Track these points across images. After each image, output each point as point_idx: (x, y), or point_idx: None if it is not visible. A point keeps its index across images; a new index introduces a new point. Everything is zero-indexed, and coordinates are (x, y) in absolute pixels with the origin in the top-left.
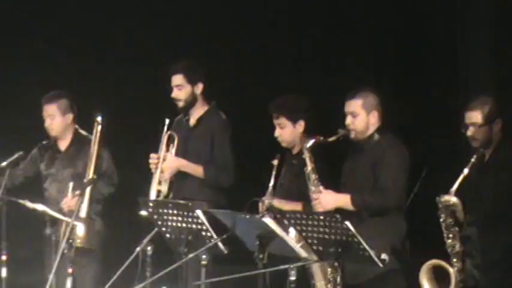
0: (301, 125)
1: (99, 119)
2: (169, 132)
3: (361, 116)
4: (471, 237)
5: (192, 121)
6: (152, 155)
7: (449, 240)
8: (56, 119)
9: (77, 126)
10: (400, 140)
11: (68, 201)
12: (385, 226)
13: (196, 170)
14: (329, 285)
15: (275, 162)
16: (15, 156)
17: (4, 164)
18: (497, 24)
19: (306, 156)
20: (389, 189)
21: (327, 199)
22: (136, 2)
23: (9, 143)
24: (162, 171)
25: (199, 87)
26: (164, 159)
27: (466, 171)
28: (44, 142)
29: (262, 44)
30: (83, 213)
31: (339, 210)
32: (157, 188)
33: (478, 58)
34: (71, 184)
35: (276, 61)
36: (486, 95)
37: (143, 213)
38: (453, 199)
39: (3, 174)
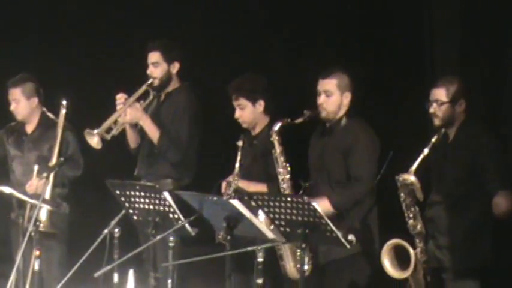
0: (261, 105)
1: (64, 102)
2: (146, 88)
3: (335, 96)
4: (433, 218)
5: (162, 97)
6: (122, 95)
7: (411, 221)
8: (21, 103)
9: (44, 109)
10: (368, 124)
11: (33, 183)
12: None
13: (154, 132)
14: (298, 266)
15: (240, 143)
16: None
17: None
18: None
19: (274, 139)
20: (363, 177)
21: None
22: None
23: None
24: (124, 114)
25: (175, 67)
26: (130, 106)
27: (426, 151)
28: (12, 124)
29: (232, 27)
30: (46, 196)
31: (306, 192)
32: (111, 124)
33: (444, 40)
34: (35, 167)
35: (246, 44)
36: (453, 74)
37: None
38: (411, 178)
39: None
